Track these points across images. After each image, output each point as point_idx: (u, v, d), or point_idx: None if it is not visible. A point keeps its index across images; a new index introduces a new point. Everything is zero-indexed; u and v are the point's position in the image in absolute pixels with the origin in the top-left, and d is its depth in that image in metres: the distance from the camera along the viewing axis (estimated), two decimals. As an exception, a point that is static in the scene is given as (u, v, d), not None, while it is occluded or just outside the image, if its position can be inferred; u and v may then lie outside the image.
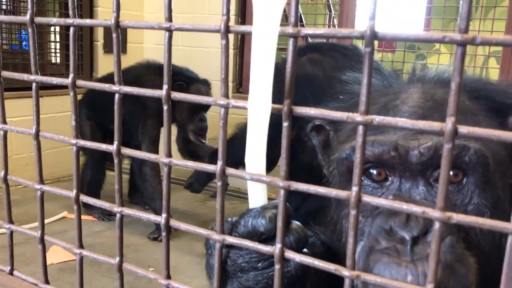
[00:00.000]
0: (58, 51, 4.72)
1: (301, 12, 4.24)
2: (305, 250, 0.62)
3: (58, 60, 4.77)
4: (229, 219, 0.61)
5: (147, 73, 3.47)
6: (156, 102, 3.51)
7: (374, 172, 0.75)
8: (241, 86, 4.60)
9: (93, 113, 3.66)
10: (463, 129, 0.36)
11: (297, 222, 0.60)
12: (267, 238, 0.58)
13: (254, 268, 0.62)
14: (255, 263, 0.61)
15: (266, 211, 0.59)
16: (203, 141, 3.56)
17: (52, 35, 4.75)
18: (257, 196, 0.59)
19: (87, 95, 3.65)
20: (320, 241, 0.90)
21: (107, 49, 4.62)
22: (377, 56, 4.56)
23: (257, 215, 0.59)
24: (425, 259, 0.62)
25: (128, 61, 3.81)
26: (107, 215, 3.60)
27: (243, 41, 4.48)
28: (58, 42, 4.68)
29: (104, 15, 4.58)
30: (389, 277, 0.62)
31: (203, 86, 3.53)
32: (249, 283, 0.62)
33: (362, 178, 0.76)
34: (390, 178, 0.75)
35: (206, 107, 3.50)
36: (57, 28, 4.63)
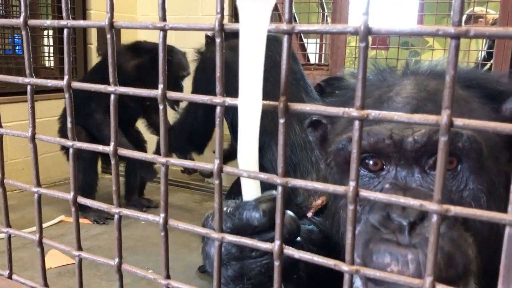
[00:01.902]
0: (51, 55, 4.71)
1: (294, 11, 4.24)
2: (298, 239, 0.63)
3: (52, 64, 4.75)
4: (224, 209, 0.61)
5: (126, 58, 3.60)
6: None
7: (370, 162, 0.77)
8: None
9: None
10: (459, 121, 0.36)
11: (291, 213, 0.62)
12: (261, 230, 0.60)
13: (247, 257, 0.64)
14: (249, 252, 0.63)
15: (260, 205, 0.60)
16: (176, 109, 3.54)
17: (45, 39, 4.73)
18: (250, 189, 0.60)
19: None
20: (319, 229, 0.92)
21: (101, 51, 4.61)
22: (371, 53, 4.57)
23: (251, 208, 0.60)
24: (423, 242, 0.63)
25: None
26: (104, 218, 3.58)
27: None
28: (51, 46, 4.66)
29: (97, 17, 4.56)
30: (390, 259, 0.63)
31: (183, 57, 3.71)
32: (242, 270, 0.64)
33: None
34: (386, 167, 0.76)
35: (182, 77, 3.66)
36: (50, 32, 4.61)
